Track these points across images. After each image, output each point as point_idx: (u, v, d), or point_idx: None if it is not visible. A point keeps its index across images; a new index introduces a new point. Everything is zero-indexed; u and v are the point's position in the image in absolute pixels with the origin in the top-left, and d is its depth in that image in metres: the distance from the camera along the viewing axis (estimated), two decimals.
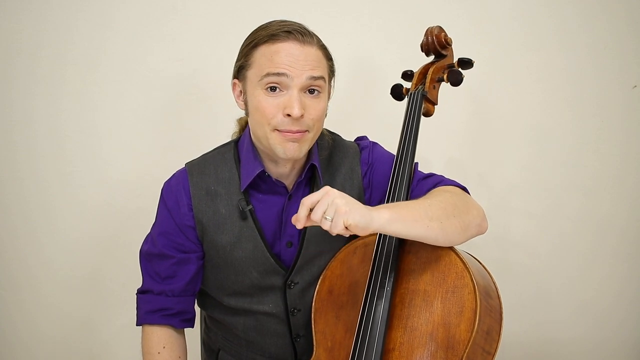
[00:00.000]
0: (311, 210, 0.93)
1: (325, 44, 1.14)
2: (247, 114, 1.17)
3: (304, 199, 0.94)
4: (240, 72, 1.14)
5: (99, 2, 1.65)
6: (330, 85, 1.18)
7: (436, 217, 1.01)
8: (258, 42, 1.09)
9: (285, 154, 1.09)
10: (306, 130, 1.10)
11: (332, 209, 0.91)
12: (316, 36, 1.12)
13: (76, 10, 1.65)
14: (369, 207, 0.97)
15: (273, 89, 1.07)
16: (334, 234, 0.93)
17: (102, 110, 1.70)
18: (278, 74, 1.06)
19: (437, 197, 1.08)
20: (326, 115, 1.17)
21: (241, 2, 1.67)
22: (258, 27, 1.13)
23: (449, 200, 1.08)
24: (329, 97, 1.18)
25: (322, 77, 1.09)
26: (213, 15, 1.68)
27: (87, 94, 1.69)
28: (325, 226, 0.91)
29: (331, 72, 1.16)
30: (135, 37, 1.67)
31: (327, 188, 0.94)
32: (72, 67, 1.67)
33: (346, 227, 0.90)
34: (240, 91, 1.16)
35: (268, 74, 1.06)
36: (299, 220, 0.93)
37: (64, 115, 1.70)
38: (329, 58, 1.14)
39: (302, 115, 1.06)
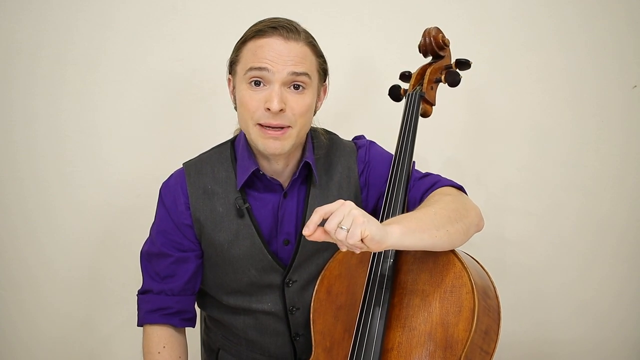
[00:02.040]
0: (323, 223, 0.89)
1: (317, 42, 1.14)
2: (236, 109, 1.18)
3: (317, 208, 0.89)
4: (232, 67, 1.17)
5: (99, 2, 1.65)
6: (323, 84, 1.19)
7: (442, 226, 1.00)
8: (247, 38, 1.12)
9: (265, 149, 1.11)
10: (288, 126, 1.10)
11: (349, 219, 0.87)
12: (305, 33, 1.12)
13: (76, 10, 1.65)
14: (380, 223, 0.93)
15: (257, 83, 1.09)
16: (344, 248, 0.89)
17: (102, 110, 1.70)
18: (260, 68, 1.07)
19: (440, 205, 1.07)
20: (315, 113, 1.17)
21: (241, 2, 1.67)
22: (252, 25, 1.14)
23: (452, 206, 1.07)
24: (320, 96, 1.19)
25: (305, 73, 1.09)
26: (213, 15, 1.68)
27: (87, 94, 1.69)
28: (340, 236, 0.86)
29: (321, 69, 1.16)
30: (135, 37, 1.67)
31: (342, 200, 0.90)
32: (72, 67, 1.67)
33: (362, 240, 0.87)
34: (233, 87, 1.18)
35: (251, 68, 1.08)
36: (309, 226, 0.87)
37: (64, 115, 1.70)
38: (318, 55, 1.15)
39: (282, 110, 1.07)
